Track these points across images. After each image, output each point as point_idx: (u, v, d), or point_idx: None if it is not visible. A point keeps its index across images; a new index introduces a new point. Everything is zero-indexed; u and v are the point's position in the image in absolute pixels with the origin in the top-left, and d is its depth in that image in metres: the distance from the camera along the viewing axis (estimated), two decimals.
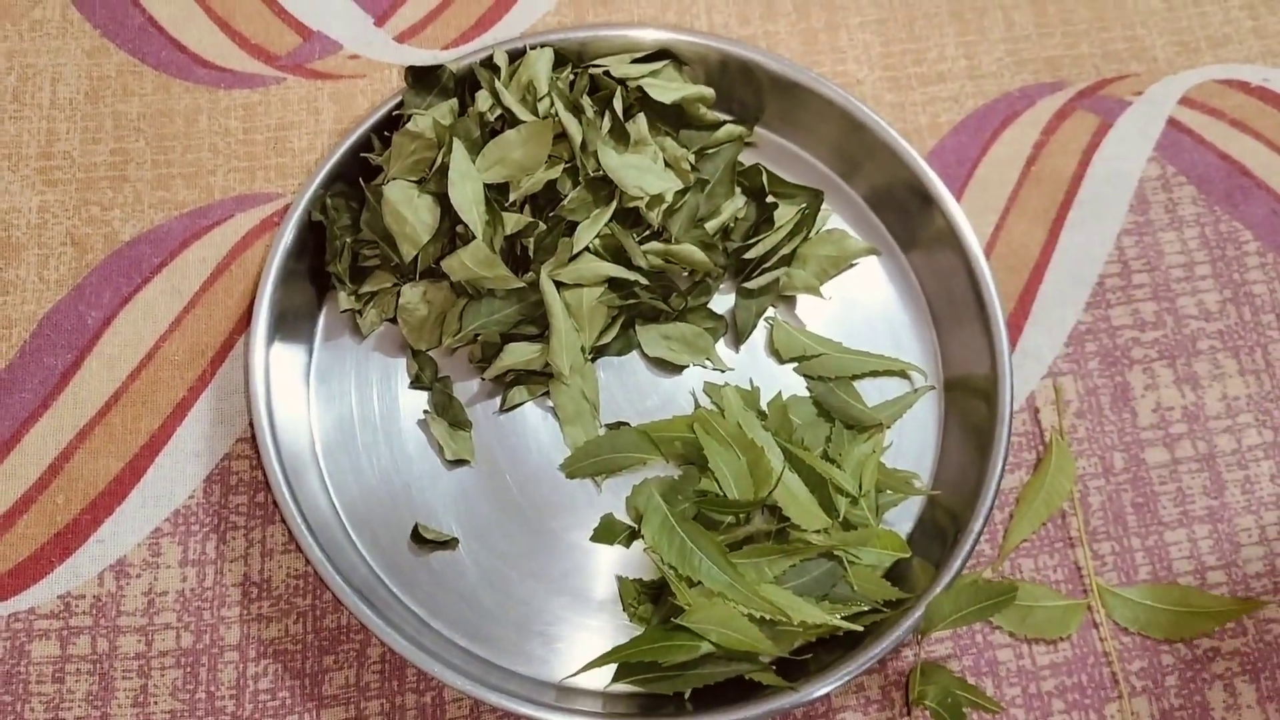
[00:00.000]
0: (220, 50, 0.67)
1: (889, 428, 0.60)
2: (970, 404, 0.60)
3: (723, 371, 0.62)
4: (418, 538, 0.57)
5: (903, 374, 0.62)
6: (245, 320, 0.61)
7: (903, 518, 0.59)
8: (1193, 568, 0.59)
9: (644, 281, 0.59)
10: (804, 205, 0.63)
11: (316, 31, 0.68)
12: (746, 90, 0.65)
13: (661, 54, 0.64)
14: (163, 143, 0.65)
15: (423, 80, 0.61)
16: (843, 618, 0.53)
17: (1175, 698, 0.56)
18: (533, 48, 0.62)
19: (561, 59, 0.63)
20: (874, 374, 0.61)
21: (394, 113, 0.61)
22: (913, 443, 0.61)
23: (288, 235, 0.59)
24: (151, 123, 0.65)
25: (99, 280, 0.62)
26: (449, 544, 0.57)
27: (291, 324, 0.60)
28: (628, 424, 0.60)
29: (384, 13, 0.69)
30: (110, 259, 0.62)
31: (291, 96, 0.66)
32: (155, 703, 0.54)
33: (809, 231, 0.63)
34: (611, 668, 0.53)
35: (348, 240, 0.60)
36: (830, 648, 0.55)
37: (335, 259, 0.60)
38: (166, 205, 0.63)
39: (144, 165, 0.64)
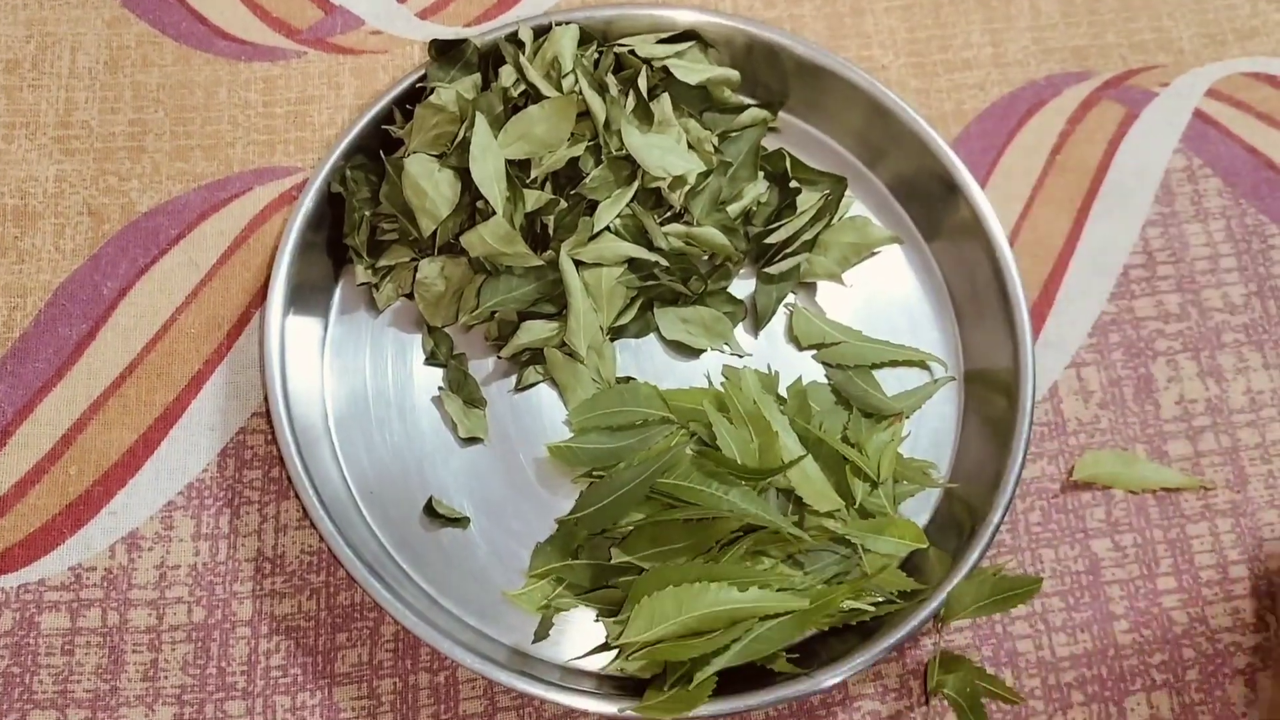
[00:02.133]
0: (242, 23, 0.67)
1: (908, 418, 0.60)
2: (990, 396, 0.59)
3: (741, 356, 0.61)
4: (431, 512, 0.57)
5: (923, 364, 0.61)
6: (261, 294, 0.61)
7: (920, 509, 0.59)
8: (1215, 561, 0.58)
9: (664, 263, 0.59)
10: (827, 191, 0.62)
11: (339, 6, 0.68)
12: (771, 74, 0.64)
13: (688, 35, 0.63)
14: (182, 114, 0.64)
15: (446, 54, 0.61)
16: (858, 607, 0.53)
17: (1196, 692, 0.56)
18: (558, 24, 0.61)
19: (587, 37, 0.62)
20: (893, 364, 0.61)
21: (416, 85, 0.61)
22: (931, 433, 0.60)
23: (306, 205, 0.59)
24: (171, 94, 0.65)
25: (115, 251, 0.61)
26: (460, 522, 0.57)
27: (307, 297, 0.59)
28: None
29: None
30: (127, 229, 0.62)
31: (312, 70, 0.66)
32: (165, 677, 0.54)
33: (831, 218, 0.62)
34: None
35: (366, 213, 0.60)
36: (844, 636, 0.54)
37: (353, 231, 0.60)
38: (185, 177, 0.63)
39: (163, 136, 0.64)
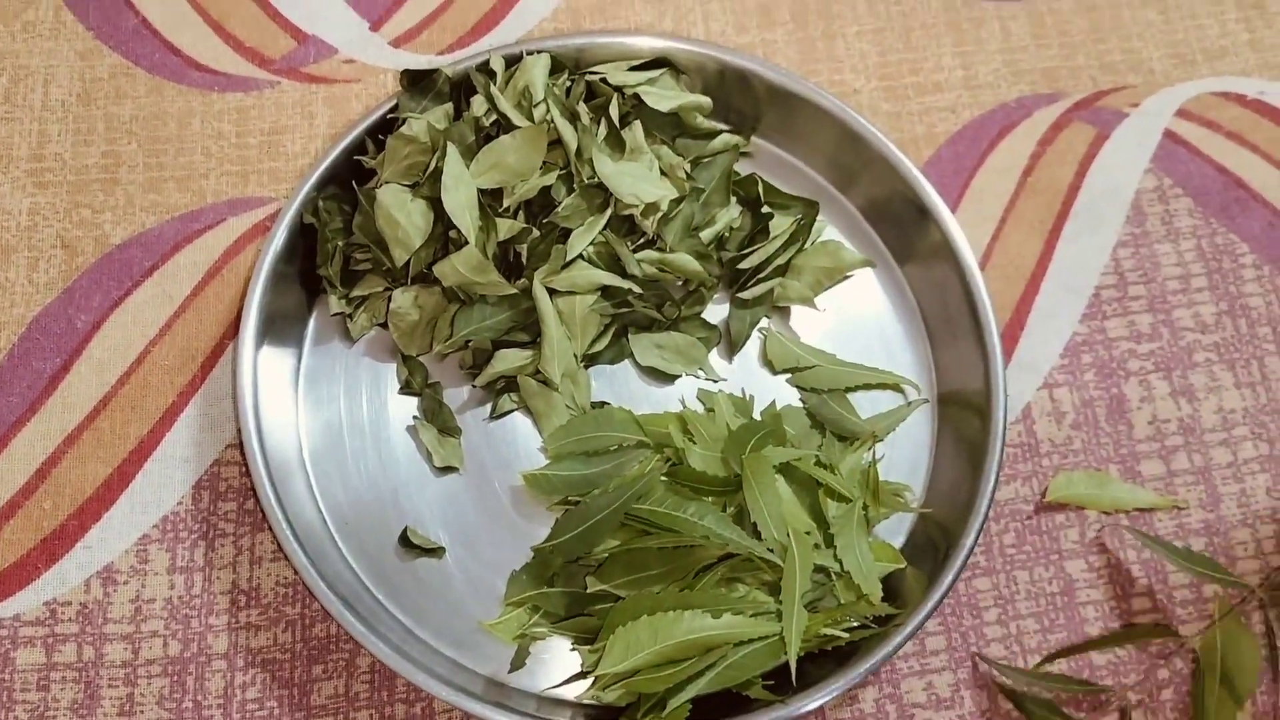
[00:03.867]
0: (214, 53, 0.67)
1: (882, 440, 0.60)
2: (964, 417, 0.59)
3: (716, 381, 0.61)
4: (406, 543, 0.57)
5: (896, 387, 0.61)
6: (236, 325, 0.61)
7: (895, 531, 0.59)
8: (1188, 581, 0.58)
9: (637, 290, 0.59)
10: (799, 216, 0.62)
11: (311, 35, 0.68)
12: (743, 99, 0.65)
13: (659, 62, 0.64)
14: (155, 145, 0.64)
15: (418, 84, 0.61)
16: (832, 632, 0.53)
17: (1171, 712, 0.56)
18: (529, 53, 0.62)
19: (558, 65, 0.62)
20: (867, 387, 0.61)
21: (388, 115, 0.61)
22: (905, 456, 0.60)
23: (279, 237, 0.59)
24: (144, 125, 0.65)
25: (89, 284, 0.61)
26: (436, 552, 0.57)
27: (281, 328, 0.59)
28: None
29: (380, 17, 0.69)
30: (101, 262, 0.62)
31: (285, 100, 0.66)
32: (141, 711, 0.54)
33: (804, 242, 0.62)
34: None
35: (339, 243, 0.60)
36: (820, 661, 0.54)
37: (326, 262, 0.60)
38: (158, 208, 0.63)
39: (136, 168, 0.64)
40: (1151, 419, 0.62)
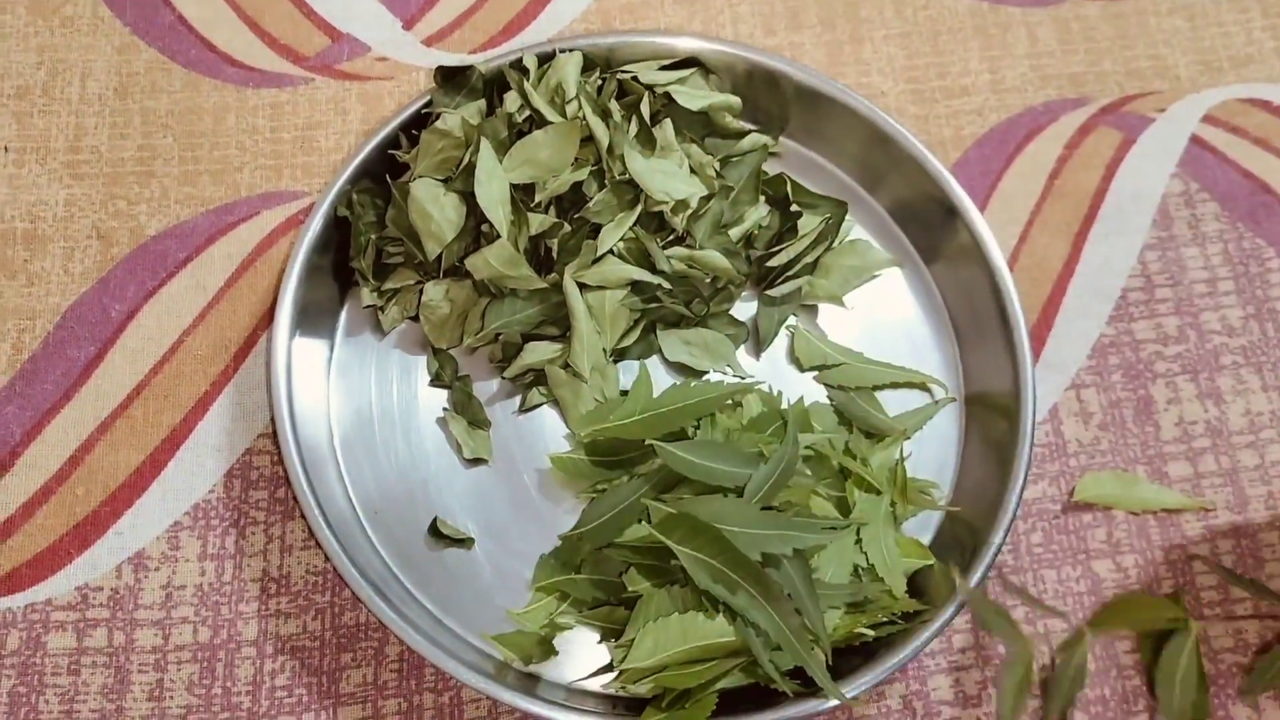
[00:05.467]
0: (249, 50, 0.68)
1: (909, 437, 0.60)
2: (991, 418, 0.60)
3: (743, 378, 0.62)
4: (435, 533, 0.57)
5: (924, 386, 0.62)
6: (268, 316, 0.61)
7: (922, 529, 0.59)
8: (1215, 583, 0.58)
9: (667, 286, 0.60)
10: (828, 215, 0.63)
11: (345, 33, 0.69)
12: (772, 100, 0.65)
13: (689, 62, 0.64)
14: (190, 139, 0.65)
15: (452, 80, 0.62)
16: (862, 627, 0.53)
17: None
18: (562, 51, 0.62)
19: (590, 64, 0.63)
20: (894, 385, 0.61)
21: (422, 111, 0.61)
22: (933, 455, 0.61)
23: (313, 229, 0.59)
24: (180, 119, 0.66)
25: (124, 274, 0.62)
26: (465, 542, 0.57)
27: (314, 319, 0.60)
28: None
29: (413, 16, 0.69)
30: (135, 253, 0.62)
31: (319, 96, 0.67)
32: (171, 697, 0.54)
33: (832, 242, 0.63)
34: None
35: (372, 236, 0.60)
36: (846, 656, 0.54)
37: (359, 255, 0.61)
38: (193, 201, 0.64)
39: (171, 161, 0.65)
40: (1178, 420, 0.62)
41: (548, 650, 0.55)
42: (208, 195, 0.64)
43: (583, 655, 0.55)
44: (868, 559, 0.55)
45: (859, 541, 0.56)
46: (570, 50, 0.62)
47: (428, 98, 0.62)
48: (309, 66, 0.68)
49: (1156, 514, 0.60)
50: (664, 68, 0.64)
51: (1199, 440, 0.61)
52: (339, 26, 0.69)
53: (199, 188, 0.64)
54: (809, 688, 0.51)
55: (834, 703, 0.51)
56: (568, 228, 0.59)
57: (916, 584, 0.56)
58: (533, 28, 0.70)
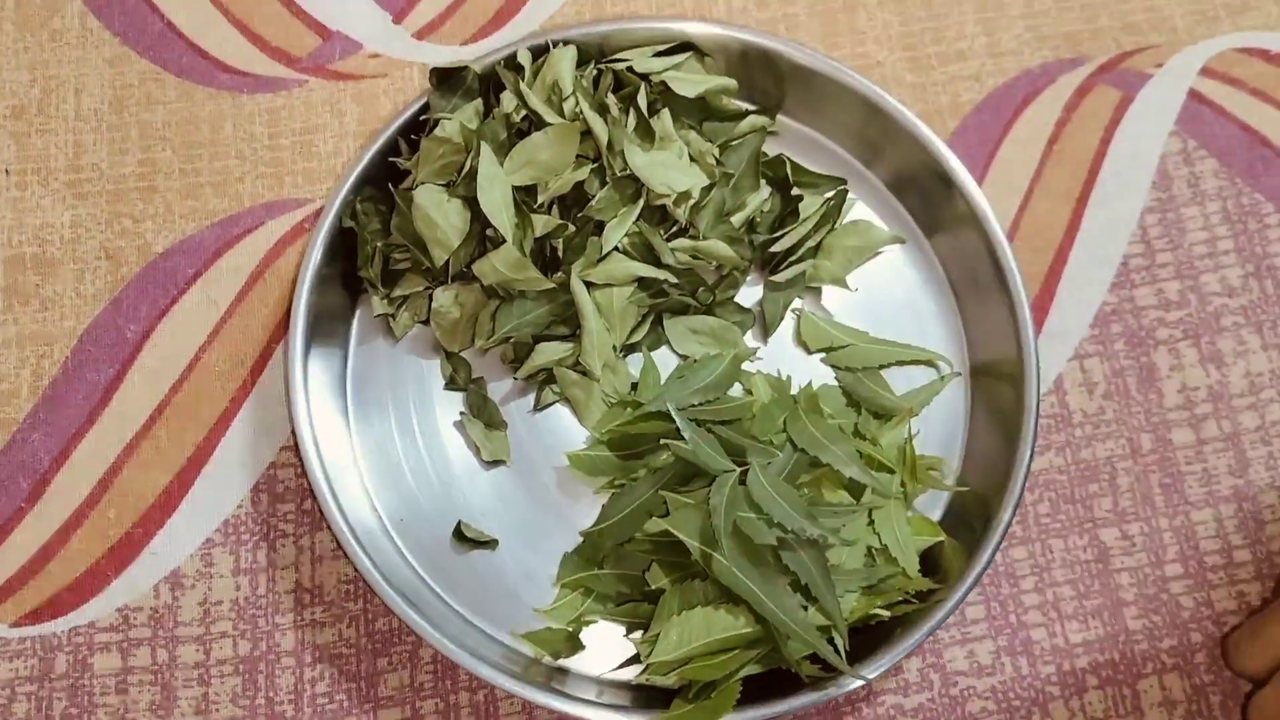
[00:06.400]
0: (241, 54, 0.67)
1: (917, 415, 0.61)
2: (997, 389, 0.61)
3: (752, 362, 0.63)
4: (460, 536, 0.59)
5: (930, 363, 0.63)
6: (281, 327, 0.62)
7: (932, 504, 0.60)
8: (1219, 547, 0.60)
9: (674, 280, 0.60)
10: (829, 196, 0.63)
11: (336, 31, 0.68)
12: (767, 79, 0.65)
13: (683, 46, 0.64)
14: (189, 151, 0.65)
15: (447, 82, 0.61)
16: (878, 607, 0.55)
17: (1205, 674, 0.58)
18: (555, 44, 0.62)
19: (583, 54, 0.63)
20: (900, 363, 0.62)
21: (421, 118, 0.61)
22: (940, 429, 0.62)
23: (320, 241, 0.60)
24: (177, 131, 0.66)
25: (135, 293, 0.62)
26: (490, 544, 0.59)
27: (327, 329, 0.61)
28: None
29: (401, 9, 0.69)
30: (145, 271, 0.63)
31: (314, 99, 0.67)
32: (217, 710, 0.56)
33: (835, 223, 0.63)
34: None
35: (378, 244, 0.61)
36: (862, 636, 0.56)
37: (367, 264, 0.61)
38: (197, 214, 0.64)
39: (172, 175, 0.65)
40: (1181, 387, 0.63)
41: (575, 645, 0.57)
42: (211, 208, 0.64)
43: (611, 648, 0.57)
44: (880, 540, 0.57)
45: (871, 523, 0.57)
46: (564, 43, 0.62)
47: (423, 101, 0.61)
48: (302, 68, 0.67)
49: (1162, 486, 0.61)
50: (658, 54, 0.63)
51: (1201, 406, 0.63)
52: (329, 24, 0.68)
53: (202, 200, 0.64)
54: (830, 671, 0.54)
55: (856, 683, 0.53)
56: (572, 228, 0.59)
57: (929, 560, 0.58)
58: (523, 14, 0.69)
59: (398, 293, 0.62)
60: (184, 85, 0.66)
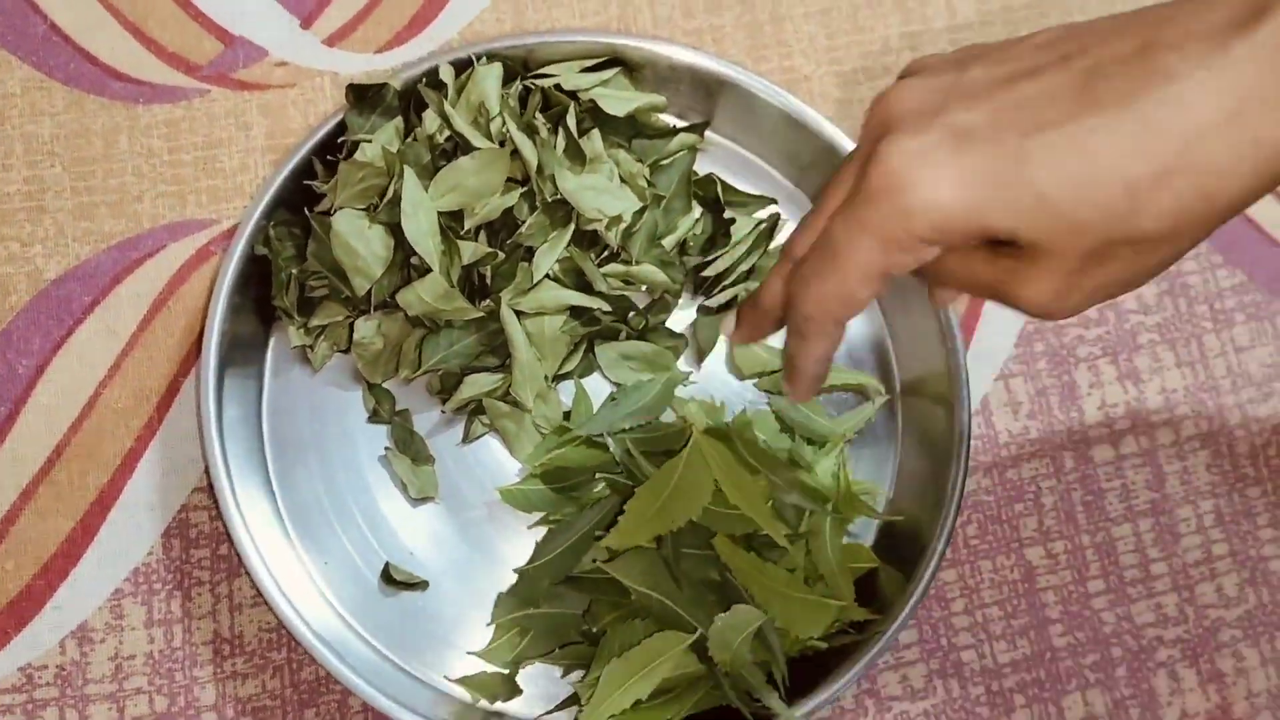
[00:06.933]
0: (135, 60, 0.62)
1: (850, 440, 0.61)
2: (927, 409, 0.61)
3: (685, 387, 0.62)
4: (388, 578, 0.57)
5: (859, 388, 0.62)
6: (189, 359, 0.58)
7: (866, 529, 0.61)
8: (1137, 561, 0.62)
9: (607, 308, 0.59)
10: (761, 220, 0.62)
11: (239, 37, 0.64)
12: (695, 94, 0.64)
13: (612, 61, 0.62)
14: (81, 167, 0.60)
15: (365, 99, 0.58)
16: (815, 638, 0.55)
17: (1125, 687, 0.60)
18: (478, 58, 0.59)
19: (508, 68, 0.60)
20: (831, 389, 0.62)
21: (338, 139, 0.58)
22: (872, 452, 0.62)
23: (231, 270, 0.56)
24: (67, 145, 0.61)
25: (26, 324, 0.58)
26: (419, 585, 0.57)
27: (240, 359, 0.57)
28: None
29: (310, 13, 0.65)
30: (36, 300, 0.58)
31: (217, 110, 0.62)
32: None
33: (767, 246, 0.62)
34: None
35: (293, 272, 0.58)
36: (799, 666, 0.56)
37: (281, 292, 0.58)
38: (92, 237, 0.60)
39: (63, 194, 0.60)
40: (1101, 404, 0.64)
41: (513, 688, 0.55)
42: (107, 230, 0.60)
43: (549, 689, 0.56)
44: (817, 569, 0.57)
45: (809, 553, 0.57)
46: (488, 56, 0.59)
47: (339, 118, 0.58)
48: (202, 76, 0.63)
49: (1084, 501, 0.62)
50: (586, 70, 0.61)
51: (1120, 423, 0.64)
52: (231, 29, 0.64)
53: (97, 221, 0.60)
54: (768, 709, 0.54)
55: (798, 715, 0.53)
56: (501, 255, 0.57)
57: (864, 584, 0.58)
58: (440, 20, 0.66)
59: (315, 322, 0.59)
60: (73, 94, 0.62)
